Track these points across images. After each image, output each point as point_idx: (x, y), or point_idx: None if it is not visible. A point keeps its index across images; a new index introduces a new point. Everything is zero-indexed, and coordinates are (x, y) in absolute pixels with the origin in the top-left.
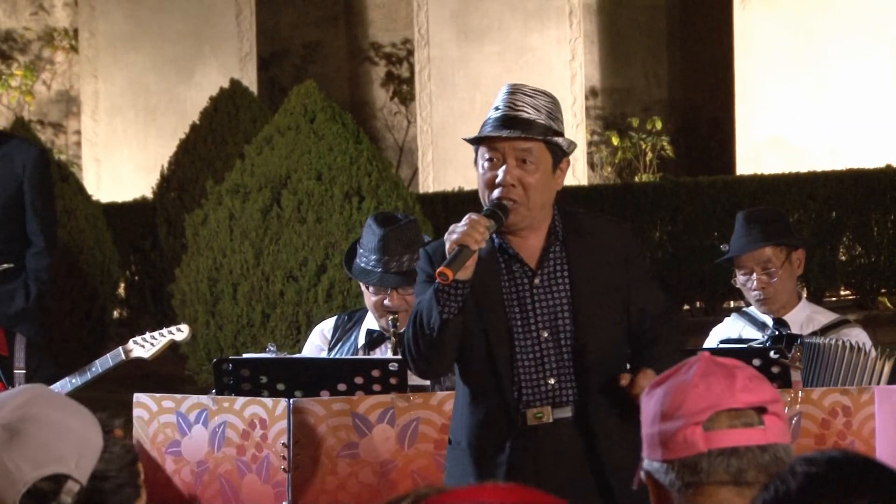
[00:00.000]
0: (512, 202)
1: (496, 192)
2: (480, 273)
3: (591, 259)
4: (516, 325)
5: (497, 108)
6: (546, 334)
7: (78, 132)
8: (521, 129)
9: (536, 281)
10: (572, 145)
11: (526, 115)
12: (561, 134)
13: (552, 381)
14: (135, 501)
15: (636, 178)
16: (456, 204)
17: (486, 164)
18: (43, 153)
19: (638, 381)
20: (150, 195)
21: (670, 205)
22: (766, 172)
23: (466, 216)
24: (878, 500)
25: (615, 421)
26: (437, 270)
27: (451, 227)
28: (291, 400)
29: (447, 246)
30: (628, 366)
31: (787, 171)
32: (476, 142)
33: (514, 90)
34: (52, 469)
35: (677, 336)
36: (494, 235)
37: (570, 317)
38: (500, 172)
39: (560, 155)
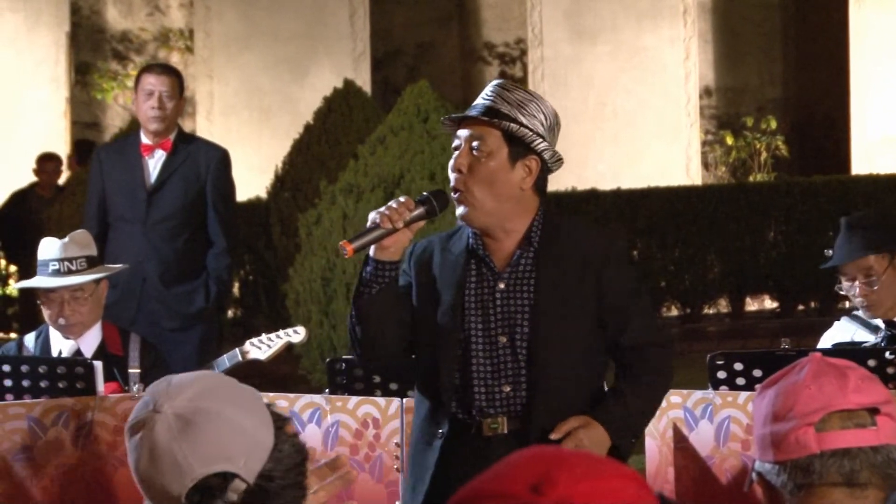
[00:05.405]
0: (458, 192)
1: (451, 179)
2: (446, 273)
3: (562, 268)
4: (476, 329)
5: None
6: (504, 340)
7: (193, 133)
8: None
9: (501, 286)
10: (553, 154)
11: (490, 104)
12: (532, 130)
13: (507, 389)
14: (300, 503)
15: (750, 178)
16: (569, 203)
17: (453, 154)
18: (226, 155)
19: (568, 434)
20: (263, 195)
21: (784, 204)
22: (882, 172)
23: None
24: None
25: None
26: (340, 242)
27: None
28: (404, 399)
29: (368, 223)
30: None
31: None
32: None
33: (496, 83)
34: (220, 467)
35: (658, 370)
36: (469, 235)
37: (529, 324)
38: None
39: (522, 150)
